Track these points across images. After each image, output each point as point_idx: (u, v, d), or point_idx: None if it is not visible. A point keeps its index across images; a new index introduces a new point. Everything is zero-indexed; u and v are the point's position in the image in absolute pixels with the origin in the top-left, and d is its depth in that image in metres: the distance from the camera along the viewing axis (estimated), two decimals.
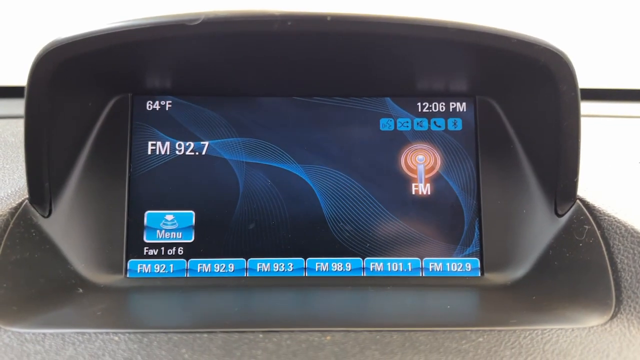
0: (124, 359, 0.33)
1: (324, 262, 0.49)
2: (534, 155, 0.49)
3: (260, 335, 0.36)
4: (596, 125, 0.67)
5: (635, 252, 0.41)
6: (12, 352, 0.34)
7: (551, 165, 0.47)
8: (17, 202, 0.44)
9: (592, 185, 0.48)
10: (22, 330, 0.37)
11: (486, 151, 0.51)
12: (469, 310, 0.45)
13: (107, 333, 0.36)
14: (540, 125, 0.47)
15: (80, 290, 0.45)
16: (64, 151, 0.47)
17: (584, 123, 0.45)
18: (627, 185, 0.51)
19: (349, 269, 0.49)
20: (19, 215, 0.44)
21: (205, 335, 0.36)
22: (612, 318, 0.38)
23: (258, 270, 0.49)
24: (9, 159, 0.55)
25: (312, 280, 0.49)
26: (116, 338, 0.36)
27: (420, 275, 0.49)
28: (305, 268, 0.49)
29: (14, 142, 0.61)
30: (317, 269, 0.49)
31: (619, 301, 0.39)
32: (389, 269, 0.49)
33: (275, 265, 0.49)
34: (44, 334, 0.36)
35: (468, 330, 0.37)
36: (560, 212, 0.47)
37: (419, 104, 0.51)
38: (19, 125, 0.67)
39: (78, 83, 0.46)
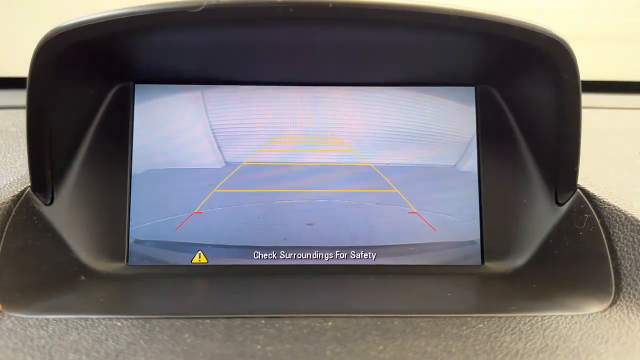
0: (127, 344, 0.33)
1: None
2: (535, 144, 0.49)
3: (262, 321, 0.36)
4: (597, 117, 0.67)
5: (635, 240, 0.41)
6: (15, 336, 0.34)
7: (552, 154, 0.47)
8: (19, 190, 0.45)
9: (593, 174, 0.49)
10: (25, 316, 0.37)
11: (487, 140, 0.51)
12: (470, 298, 0.46)
13: (109, 319, 0.36)
14: (541, 114, 0.47)
15: (83, 278, 0.45)
16: (65, 139, 0.47)
17: (586, 114, 0.45)
18: (627, 175, 0.51)
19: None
20: (22, 203, 0.44)
21: (208, 320, 0.36)
22: (611, 305, 0.39)
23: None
24: (10, 148, 0.56)
25: (316, 269, 0.49)
26: (119, 324, 0.36)
27: (422, 263, 0.49)
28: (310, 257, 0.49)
29: (15, 132, 0.61)
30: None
31: (618, 289, 0.40)
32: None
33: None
34: (47, 319, 0.36)
35: (469, 316, 0.37)
36: (560, 201, 0.47)
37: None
38: (20, 116, 0.67)
39: (80, 71, 0.46)
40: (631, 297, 0.39)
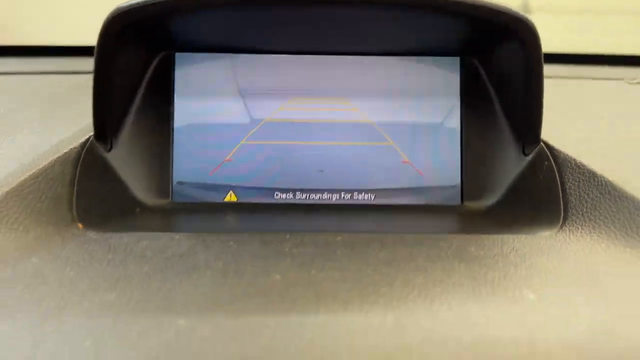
0: (186, 249, 0.44)
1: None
2: (507, 105, 0.59)
3: (287, 236, 0.47)
4: (566, 87, 0.77)
5: (580, 180, 0.51)
6: (98, 244, 0.45)
7: (521, 114, 0.57)
8: (85, 138, 0.55)
9: (557, 132, 0.59)
10: (102, 233, 0.48)
11: (468, 102, 0.61)
12: (449, 226, 0.57)
13: (168, 234, 0.47)
14: (512, 80, 0.57)
15: (138, 210, 0.56)
16: (121, 97, 0.57)
17: (557, 84, 0.55)
18: (587, 134, 0.61)
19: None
20: (88, 149, 0.54)
21: (246, 235, 0.47)
22: (559, 230, 0.50)
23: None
24: (65, 108, 0.65)
25: (325, 207, 0.60)
26: (177, 237, 0.46)
27: (412, 202, 0.60)
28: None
29: (67, 94, 0.71)
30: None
31: (565, 218, 0.50)
32: None
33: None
34: (119, 235, 0.47)
35: (446, 235, 0.48)
36: (527, 152, 0.57)
37: None
38: (59, 81, 0.77)
39: (132, 42, 0.55)
40: (574, 224, 0.49)
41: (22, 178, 0.48)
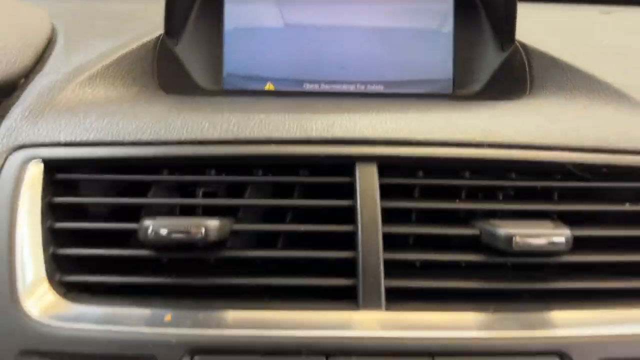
0: (250, 100, 0.60)
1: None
2: (491, 14, 0.75)
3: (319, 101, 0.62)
4: (547, 12, 0.92)
5: (543, 64, 0.67)
6: (182, 99, 0.61)
7: (501, 20, 0.72)
8: (158, 34, 0.70)
9: (531, 36, 0.74)
10: (182, 96, 0.63)
11: (460, 12, 0.76)
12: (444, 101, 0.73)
13: (229, 97, 0.63)
14: None
15: (199, 90, 0.72)
16: (184, 5, 0.73)
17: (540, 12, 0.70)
18: (556, 39, 0.76)
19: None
20: (161, 40, 0.70)
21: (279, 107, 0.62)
22: (525, 97, 0.65)
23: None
24: (137, 19, 0.80)
25: (345, 94, 0.76)
26: (237, 98, 0.62)
27: (415, 92, 0.76)
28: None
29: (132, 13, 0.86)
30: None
31: (531, 89, 0.66)
32: None
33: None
34: (194, 97, 0.63)
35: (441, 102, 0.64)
36: (505, 49, 0.73)
37: None
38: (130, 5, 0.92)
39: None
40: (536, 92, 0.65)
41: (119, 54, 0.64)
